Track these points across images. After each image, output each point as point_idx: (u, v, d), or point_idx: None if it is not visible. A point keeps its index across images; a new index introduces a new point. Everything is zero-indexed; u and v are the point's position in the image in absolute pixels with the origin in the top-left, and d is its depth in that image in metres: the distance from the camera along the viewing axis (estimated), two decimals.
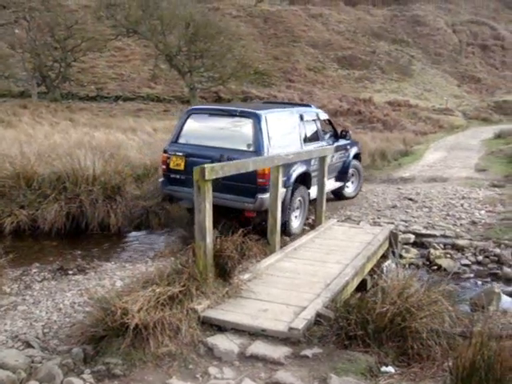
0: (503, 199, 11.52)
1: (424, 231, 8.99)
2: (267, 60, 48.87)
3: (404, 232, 8.82)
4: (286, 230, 8.12)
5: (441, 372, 3.81)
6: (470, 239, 8.62)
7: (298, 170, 8.50)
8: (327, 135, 10.90)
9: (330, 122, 11.23)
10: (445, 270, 7.35)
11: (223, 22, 41.58)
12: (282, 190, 7.14)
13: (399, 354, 4.08)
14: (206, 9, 44.25)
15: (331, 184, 10.57)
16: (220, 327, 4.49)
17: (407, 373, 3.87)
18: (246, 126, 8.15)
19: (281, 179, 6.65)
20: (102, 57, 43.71)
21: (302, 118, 9.36)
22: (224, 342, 4.22)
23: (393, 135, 26.25)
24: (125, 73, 42.49)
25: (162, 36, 35.53)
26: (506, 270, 7.42)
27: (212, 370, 3.88)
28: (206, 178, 4.84)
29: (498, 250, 8.05)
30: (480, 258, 7.97)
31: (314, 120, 9.96)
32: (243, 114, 8.32)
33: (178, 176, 8.34)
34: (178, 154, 8.39)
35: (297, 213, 8.85)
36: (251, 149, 7.91)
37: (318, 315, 4.56)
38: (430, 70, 54.85)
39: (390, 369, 3.90)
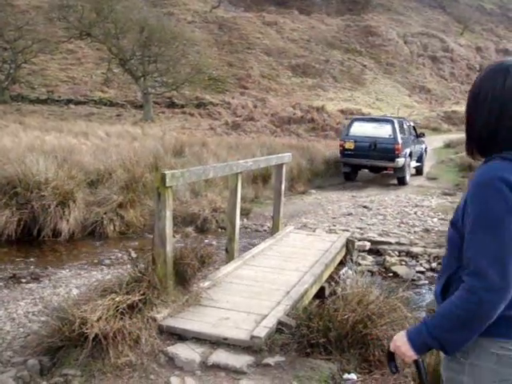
0: (454, 207, 11.73)
1: (379, 238, 9.10)
2: (221, 66, 48.80)
3: (360, 239, 8.88)
4: (403, 179, 15.77)
5: (402, 378, 3.84)
6: (424, 246, 8.77)
7: (408, 150, 15.76)
8: (413, 134, 17.53)
9: (414, 128, 17.81)
10: (401, 276, 7.46)
11: (178, 27, 41.24)
12: (404, 159, 15.35)
13: (361, 361, 4.10)
14: (161, 13, 43.90)
15: (414, 163, 17.11)
16: (181, 336, 4.41)
17: (369, 379, 3.89)
18: (387, 126, 15.44)
19: (240, 186, 6.61)
20: (54, 59, 42.78)
21: (403, 124, 16.51)
22: (185, 352, 4.15)
23: None
24: (77, 76, 41.70)
25: (116, 40, 35.00)
26: None
27: (174, 380, 3.81)
28: (167, 184, 4.75)
29: None
30: (434, 264, 8.11)
31: (408, 126, 17.09)
32: (385, 120, 16.29)
33: (349, 152, 15.56)
34: (350, 140, 15.69)
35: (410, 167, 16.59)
36: (391, 137, 15.09)
37: (280, 323, 4.54)
38: (382, 80, 55.84)
39: (353, 376, 3.91)
